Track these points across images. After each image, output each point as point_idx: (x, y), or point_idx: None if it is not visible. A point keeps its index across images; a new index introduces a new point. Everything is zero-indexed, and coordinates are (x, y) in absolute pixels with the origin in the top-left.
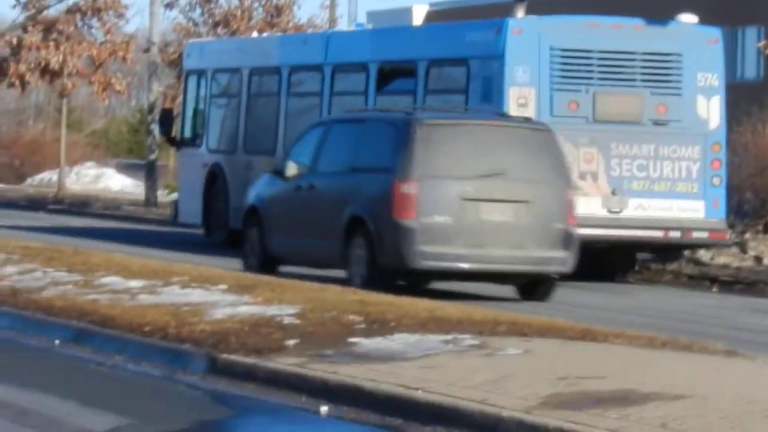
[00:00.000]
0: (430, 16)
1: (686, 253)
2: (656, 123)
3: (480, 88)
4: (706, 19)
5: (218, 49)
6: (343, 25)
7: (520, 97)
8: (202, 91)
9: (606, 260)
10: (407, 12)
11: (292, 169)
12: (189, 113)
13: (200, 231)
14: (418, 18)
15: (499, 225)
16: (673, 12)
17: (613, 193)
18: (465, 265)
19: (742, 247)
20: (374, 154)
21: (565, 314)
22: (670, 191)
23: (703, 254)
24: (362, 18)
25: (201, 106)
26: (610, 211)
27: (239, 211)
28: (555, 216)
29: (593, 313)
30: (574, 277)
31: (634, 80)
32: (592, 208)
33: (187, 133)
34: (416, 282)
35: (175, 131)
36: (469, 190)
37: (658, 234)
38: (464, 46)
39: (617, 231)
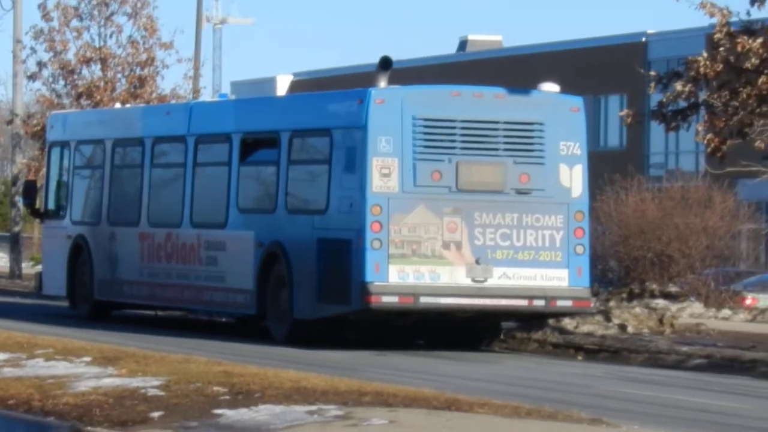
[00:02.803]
0: (295, 86)
1: (551, 321)
2: (519, 192)
3: (343, 159)
4: (569, 88)
5: (81, 121)
6: (207, 96)
7: (384, 167)
8: (66, 163)
9: (470, 329)
10: (271, 82)
11: None
12: (53, 185)
13: (65, 303)
14: (282, 88)
15: None
16: (537, 81)
17: (477, 262)
18: None
19: (607, 315)
20: None
21: (430, 383)
22: (533, 260)
23: (568, 323)
24: (226, 88)
25: (65, 177)
26: (474, 280)
27: (104, 283)
28: None
29: (459, 383)
30: (439, 346)
31: (496, 149)
32: (456, 278)
33: (51, 205)
34: None
35: (39, 203)
36: None
37: (522, 303)
38: (327, 117)
39: (481, 300)
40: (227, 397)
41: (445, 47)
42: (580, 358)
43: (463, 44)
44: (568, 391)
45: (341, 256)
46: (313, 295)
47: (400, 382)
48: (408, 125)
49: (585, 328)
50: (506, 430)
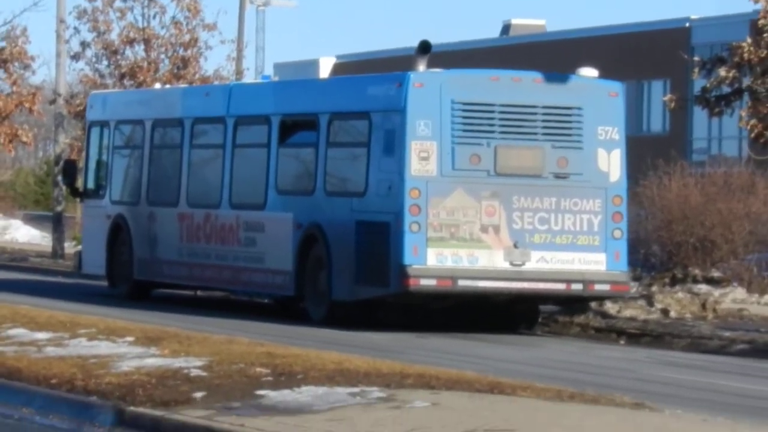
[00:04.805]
0: (338, 69)
1: (593, 305)
2: (557, 176)
3: (382, 142)
4: (612, 73)
5: (121, 101)
6: (250, 77)
7: (422, 151)
8: (105, 143)
9: (508, 313)
10: (314, 64)
11: None
12: (92, 165)
13: (105, 282)
14: (325, 70)
15: None
16: (580, 65)
17: (515, 245)
18: None
19: (649, 299)
20: None
21: (472, 366)
22: (571, 244)
23: (611, 307)
24: (269, 70)
25: (104, 157)
26: (512, 264)
27: (143, 262)
28: None
29: (501, 366)
30: (476, 329)
31: (535, 134)
32: (494, 261)
33: (91, 185)
34: None
35: (79, 182)
36: None
37: (560, 287)
38: (366, 100)
39: (519, 284)
40: (270, 378)
41: (489, 31)
42: (622, 342)
43: (506, 28)
44: (611, 375)
45: (380, 238)
46: (351, 277)
47: (442, 364)
48: (447, 109)
49: (627, 312)
50: (549, 414)
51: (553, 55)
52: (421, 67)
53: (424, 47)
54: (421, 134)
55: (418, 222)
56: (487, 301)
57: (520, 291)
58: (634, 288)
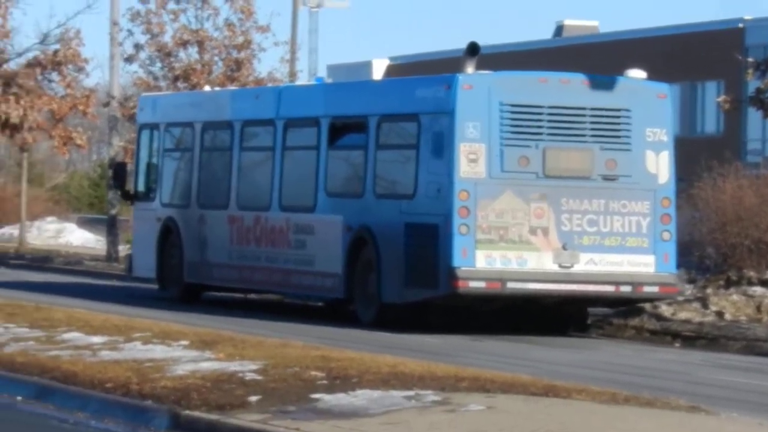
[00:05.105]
0: (391, 70)
1: (648, 308)
2: (606, 178)
3: (431, 144)
4: (665, 74)
5: (171, 103)
6: (303, 79)
7: (471, 153)
8: (156, 145)
9: (557, 315)
10: (367, 66)
11: None
12: (142, 167)
13: (155, 285)
14: (378, 72)
15: None
16: (633, 67)
17: (564, 247)
18: None
19: (704, 302)
20: None
21: (526, 369)
22: (620, 246)
23: (665, 309)
24: (323, 72)
25: (154, 160)
26: (561, 266)
27: (193, 265)
28: None
29: (555, 369)
30: (526, 331)
31: (583, 135)
32: (543, 263)
33: (141, 187)
34: None
35: (131, 185)
36: None
37: (609, 288)
38: (415, 102)
39: (568, 286)
40: (325, 382)
41: (542, 32)
42: (677, 345)
43: (559, 29)
44: (666, 378)
45: (429, 240)
46: (400, 279)
47: (496, 367)
48: (495, 111)
49: (682, 315)
50: (604, 417)
51: (605, 57)
52: (470, 68)
53: (473, 49)
54: (470, 136)
55: (467, 224)
56: (536, 304)
57: (569, 293)
58: (688, 290)
